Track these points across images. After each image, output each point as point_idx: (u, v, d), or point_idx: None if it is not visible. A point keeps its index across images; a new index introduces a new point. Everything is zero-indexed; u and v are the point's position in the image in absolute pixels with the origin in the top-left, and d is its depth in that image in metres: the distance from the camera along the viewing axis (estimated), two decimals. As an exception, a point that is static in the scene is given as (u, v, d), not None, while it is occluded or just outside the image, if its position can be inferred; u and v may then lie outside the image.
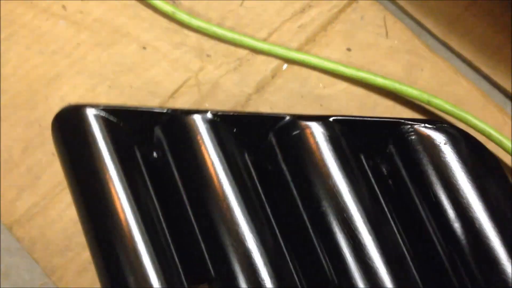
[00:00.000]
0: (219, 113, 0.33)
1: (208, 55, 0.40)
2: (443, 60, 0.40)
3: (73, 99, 0.38)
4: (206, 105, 0.39)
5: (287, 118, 0.33)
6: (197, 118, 0.32)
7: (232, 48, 0.40)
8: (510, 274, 0.28)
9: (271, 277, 0.29)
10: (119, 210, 0.29)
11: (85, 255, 0.34)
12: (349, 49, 0.41)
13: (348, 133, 0.33)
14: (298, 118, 0.33)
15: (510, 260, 0.28)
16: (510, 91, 0.39)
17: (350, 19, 0.41)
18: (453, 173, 0.30)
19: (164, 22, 0.41)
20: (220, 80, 0.39)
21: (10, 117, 0.38)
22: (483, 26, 0.40)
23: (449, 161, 0.31)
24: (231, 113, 0.34)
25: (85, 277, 0.34)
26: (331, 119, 0.33)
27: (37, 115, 0.38)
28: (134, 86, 0.39)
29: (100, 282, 0.30)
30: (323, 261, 0.30)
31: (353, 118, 0.34)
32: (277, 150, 0.33)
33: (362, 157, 0.33)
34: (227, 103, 0.39)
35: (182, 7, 0.41)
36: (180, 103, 0.39)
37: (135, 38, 0.40)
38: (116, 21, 0.41)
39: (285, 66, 0.40)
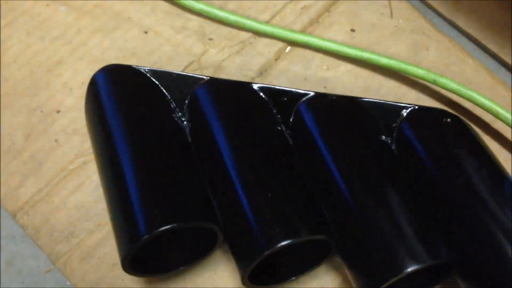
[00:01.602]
0: (250, 86, 0.35)
1: (210, 39, 0.40)
2: (449, 39, 0.39)
3: (75, 85, 0.38)
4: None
5: (311, 94, 0.35)
6: (230, 87, 0.34)
7: (234, 31, 0.40)
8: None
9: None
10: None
11: (90, 241, 0.34)
12: (353, 30, 0.40)
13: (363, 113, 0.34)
14: (321, 96, 0.35)
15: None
16: (518, 69, 0.38)
17: (354, -1, 0.41)
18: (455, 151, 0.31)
19: (165, 6, 0.41)
20: (223, 64, 0.39)
21: (12, 104, 0.37)
22: (490, 4, 0.40)
23: (449, 140, 0.32)
24: (268, 87, 0.35)
25: (89, 263, 0.33)
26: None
27: (39, 102, 0.38)
28: (136, 71, 0.39)
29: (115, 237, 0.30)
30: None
31: (369, 100, 0.34)
32: (301, 123, 0.34)
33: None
34: (230, 86, 0.39)
35: (184, -9, 0.40)
36: (183, 87, 0.38)
37: (137, 22, 0.40)
38: (117, 6, 0.40)
39: (288, 48, 0.40)
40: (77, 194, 0.35)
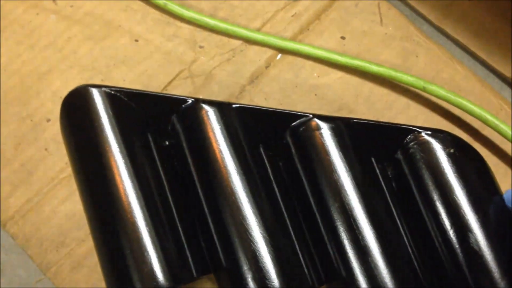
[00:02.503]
0: (240, 106, 0.33)
1: (201, 47, 0.40)
2: (439, 46, 0.40)
3: (65, 93, 0.37)
4: (200, 97, 0.38)
5: (304, 118, 0.33)
6: (216, 109, 0.32)
7: (225, 39, 0.40)
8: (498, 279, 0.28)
9: (277, 272, 0.29)
10: (124, 197, 0.29)
11: (80, 250, 0.34)
12: (343, 37, 0.40)
13: (361, 136, 0.33)
14: (317, 118, 0.32)
15: (497, 266, 0.29)
16: (508, 75, 0.39)
17: (344, 6, 0.41)
18: (451, 186, 0.31)
19: (156, 14, 0.41)
20: (213, 72, 0.39)
21: (2, 113, 0.37)
22: (479, 11, 0.40)
23: (448, 174, 0.31)
24: (251, 107, 0.33)
25: (80, 272, 0.33)
26: (338, 121, 0.33)
27: (29, 110, 0.37)
28: (127, 79, 0.39)
29: (101, 270, 0.29)
30: (331, 253, 0.30)
31: (368, 121, 0.33)
32: (291, 148, 0.33)
33: (373, 160, 0.33)
34: (221, 94, 0.39)
35: (174, -1, 0.40)
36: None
37: (127, 30, 0.40)
38: (108, 14, 0.40)
39: (279, 56, 0.40)
40: (67, 203, 0.35)
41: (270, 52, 0.40)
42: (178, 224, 0.30)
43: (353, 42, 0.40)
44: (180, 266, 0.29)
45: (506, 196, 0.30)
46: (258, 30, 0.40)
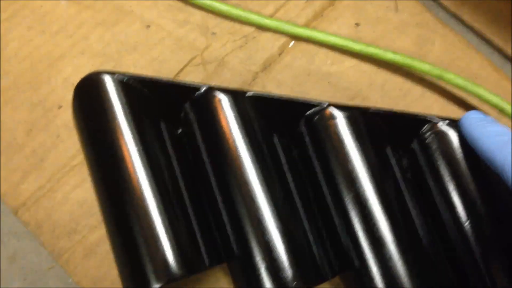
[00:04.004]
0: (254, 95, 0.32)
1: (213, 33, 0.39)
2: (455, 34, 0.39)
3: (77, 80, 0.37)
4: (212, 84, 0.38)
5: (318, 107, 0.32)
6: (230, 98, 0.31)
7: (237, 26, 0.40)
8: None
9: (291, 262, 0.29)
10: (137, 186, 0.29)
11: (92, 238, 0.34)
12: (357, 24, 0.40)
13: (377, 125, 0.32)
14: (332, 107, 0.32)
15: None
16: (524, 64, 0.38)
17: (359, -8, 0.40)
18: (468, 177, 0.30)
19: (167, -1, 0.40)
20: (226, 59, 0.39)
21: (13, 99, 0.37)
22: (496, -2, 0.39)
23: (465, 165, 0.31)
24: (265, 96, 0.33)
25: (92, 260, 0.33)
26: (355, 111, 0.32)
27: (41, 96, 0.37)
28: (138, 66, 0.38)
29: (114, 258, 0.29)
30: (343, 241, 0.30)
31: (384, 111, 0.33)
32: (305, 137, 0.32)
33: (389, 150, 0.32)
34: (233, 81, 0.38)
35: (186, -16, 0.40)
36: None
37: (139, 16, 0.40)
38: (118, 0, 0.40)
39: (292, 43, 0.39)
40: (79, 190, 0.35)
41: (283, 39, 0.39)
42: (191, 213, 0.30)
43: (368, 29, 0.39)
44: (193, 255, 0.29)
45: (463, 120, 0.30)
46: (271, 16, 0.40)
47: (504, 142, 0.28)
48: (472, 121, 0.29)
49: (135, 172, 0.29)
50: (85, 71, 0.38)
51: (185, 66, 0.38)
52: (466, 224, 0.29)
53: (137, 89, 0.31)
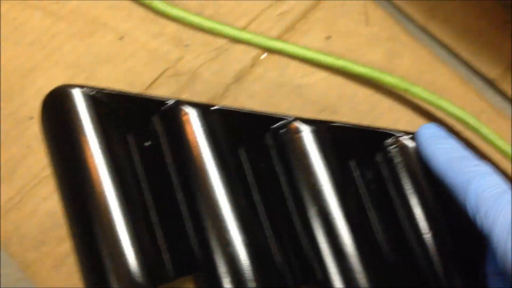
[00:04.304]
0: (221, 108, 0.33)
1: (186, 45, 0.40)
2: (424, 47, 0.40)
3: (49, 91, 0.38)
4: (184, 96, 0.38)
5: (284, 120, 0.33)
6: (196, 112, 0.32)
7: (210, 38, 0.40)
8: None
9: (255, 274, 0.29)
10: (103, 199, 0.29)
11: (61, 249, 0.34)
12: (329, 37, 0.40)
13: (341, 139, 0.33)
14: (298, 121, 0.32)
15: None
16: (491, 77, 0.39)
17: (331, 6, 0.41)
18: (429, 191, 0.31)
19: (141, 11, 0.41)
20: (198, 70, 0.39)
21: (-15, 110, 0.37)
22: (464, 12, 0.40)
23: (426, 178, 0.31)
24: (232, 109, 0.33)
25: (60, 271, 0.33)
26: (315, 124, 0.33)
27: (13, 108, 0.37)
28: (111, 77, 0.39)
29: (79, 271, 0.30)
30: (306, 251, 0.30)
31: (348, 125, 0.33)
32: (271, 150, 0.32)
33: (354, 163, 0.33)
34: (205, 93, 0.39)
35: (160, -4, 0.40)
36: (158, 94, 0.38)
37: (113, 28, 0.40)
38: (93, 11, 0.40)
39: (264, 55, 0.40)
40: (49, 201, 0.35)
41: (255, 51, 0.40)
42: (157, 225, 0.30)
43: (339, 42, 0.40)
44: (158, 267, 0.29)
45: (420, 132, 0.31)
46: (244, 28, 0.40)
47: (455, 160, 0.28)
48: (425, 136, 0.30)
49: (101, 185, 0.29)
50: (58, 82, 0.38)
51: (158, 78, 0.39)
52: (427, 235, 0.30)
53: (104, 103, 0.31)
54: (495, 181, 0.27)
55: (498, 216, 0.25)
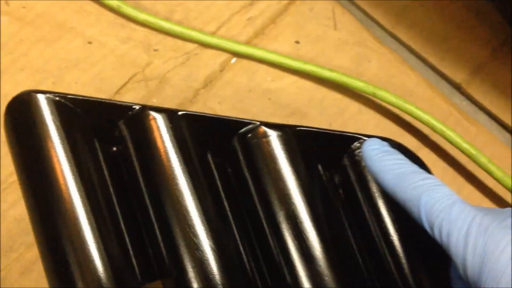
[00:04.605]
0: (186, 113, 0.33)
1: (155, 50, 0.40)
2: (391, 52, 0.40)
3: (16, 96, 0.37)
4: (153, 101, 0.38)
5: (251, 125, 0.33)
6: (163, 117, 0.32)
7: (180, 42, 0.40)
8: None
9: (223, 279, 0.29)
10: (69, 204, 0.29)
11: (29, 255, 0.33)
12: (297, 42, 0.40)
13: (309, 143, 0.33)
14: (265, 125, 0.32)
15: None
16: (458, 81, 0.39)
17: (299, 10, 0.41)
18: None
19: (110, 16, 0.40)
20: (167, 75, 0.39)
21: (-50, 116, 0.37)
22: (431, 17, 0.41)
23: None
24: (199, 114, 0.33)
25: (29, 277, 0.33)
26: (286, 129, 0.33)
27: (-22, 113, 0.37)
28: (79, 82, 0.38)
29: (46, 277, 0.29)
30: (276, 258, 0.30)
31: (315, 129, 0.33)
32: (238, 155, 0.33)
33: (320, 167, 0.33)
34: (175, 98, 0.38)
35: (129, 1, 0.40)
36: (127, 99, 0.38)
37: (80, 33, 0.40)
38: (60, 16, 0.40)
39: (233, 60, 0.40)
40: (17, 207, 0.35)
41: (224, 56, 0.40)
42: (125, 230, 0.30)
43: (307, 46, 0.40)
44: (126, 272, 0.29)
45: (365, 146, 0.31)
46: (213, 33, 0.40)
47: (402, 176, 0.28)
48: (369, 154, 0.30)
49: (67, 191, 0.29)
50: (25, 87, 0.37)
51: (127, 82, 0.39)
52: (394, 237, 0.30)
53: (70, 108, 0.31)
54: (443, 193, 0.27)
55: (452, 229, 0.26)
